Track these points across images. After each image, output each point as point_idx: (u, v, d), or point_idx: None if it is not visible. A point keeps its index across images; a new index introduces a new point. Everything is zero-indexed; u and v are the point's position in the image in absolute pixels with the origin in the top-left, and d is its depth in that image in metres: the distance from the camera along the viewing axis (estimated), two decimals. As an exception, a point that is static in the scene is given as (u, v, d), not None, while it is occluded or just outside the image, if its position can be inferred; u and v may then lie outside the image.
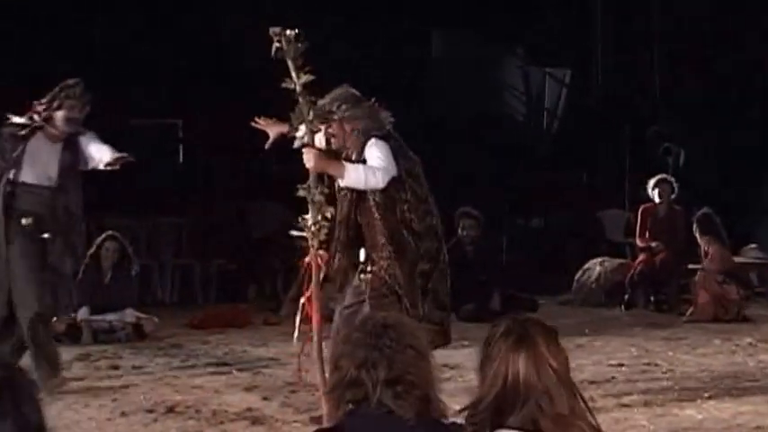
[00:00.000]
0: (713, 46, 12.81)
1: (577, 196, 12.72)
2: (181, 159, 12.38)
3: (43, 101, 6.30)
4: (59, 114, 6.25)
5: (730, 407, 5.87)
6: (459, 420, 2.51)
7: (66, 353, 7.76)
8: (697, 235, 9.74)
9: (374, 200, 5.36)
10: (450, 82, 13.05)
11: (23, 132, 6.24)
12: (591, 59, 13.47)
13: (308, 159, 5.27)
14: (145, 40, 11.35)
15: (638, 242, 10.27)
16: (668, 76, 13.05)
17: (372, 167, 5.29)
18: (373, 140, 5.35)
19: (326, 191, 5.36)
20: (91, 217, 10.77)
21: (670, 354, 7.62)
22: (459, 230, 9.96)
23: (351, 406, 2.47)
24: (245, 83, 10.60)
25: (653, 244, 10.09)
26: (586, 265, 10.75)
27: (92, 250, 8.80)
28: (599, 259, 10.80)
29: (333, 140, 5.48)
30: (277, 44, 5.24)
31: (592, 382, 6.47)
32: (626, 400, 6.04)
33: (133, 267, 8.86)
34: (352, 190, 5.42)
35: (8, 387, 2.06)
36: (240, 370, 7.12)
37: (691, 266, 10.07)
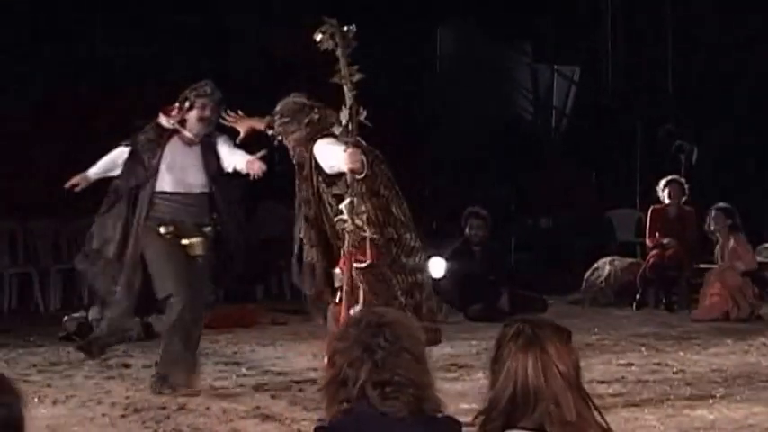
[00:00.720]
0: (725, 42, 12.77)
1: (587, 196, 12.69)
2: None
3: (175, 104, 6.15)
4: (192, 115, 6.09)
5: (743, 407, 5.83)
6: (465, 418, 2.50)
7: (78, 352, 7.79)
8: (717, 226, 9.56)
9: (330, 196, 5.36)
10: (456, 80, 13.02)
11: (159, 138, 6.10)
12: (600, 56, 13.43)
13: (353, 161, 5.16)
14: (146, 39, 11.35)
15: (648, 242, 10.23)
16: (680, 72, 13.00)
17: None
18: (314, 146, 5.33)
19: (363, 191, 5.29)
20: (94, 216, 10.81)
21: (681, 353, 7.58)
22: (467, 230, 9.94)
23: (345, 404, 2.45)
24: (248, 82, 10.59)
25: (664, 241, 10.05)
26: (596, 265, 10.71)
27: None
28: (608, 258, 10.77)
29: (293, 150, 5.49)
30: (328, 38, 5.18)
31: (601, 382, 6.45)
32: (636, 399, 6.01)
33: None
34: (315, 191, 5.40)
35: None
36: (249, 368, 7.13)
37: (702, 266, 10.02)
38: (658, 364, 7.18)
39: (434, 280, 10.07)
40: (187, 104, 6.11)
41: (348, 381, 2.44)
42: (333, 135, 5.38)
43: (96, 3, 11.37)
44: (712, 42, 12.84)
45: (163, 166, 6.07)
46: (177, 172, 6.06)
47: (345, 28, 5.23)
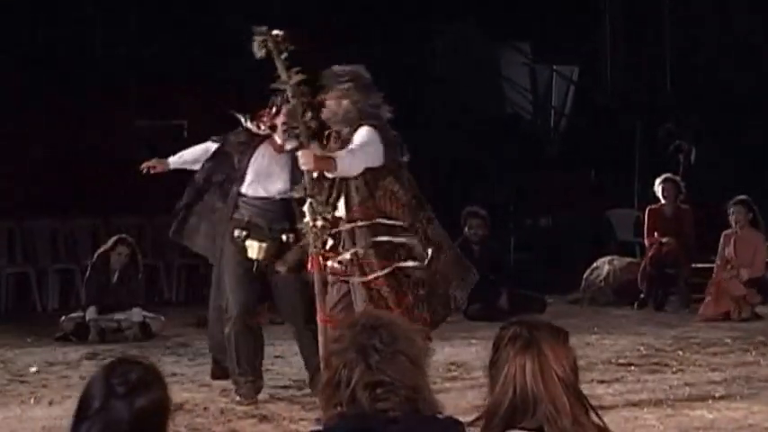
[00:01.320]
0: (725, 42, 12.74)
1: (586, 195, 12.67)
2: None
3: (266, 109, 6.09)
4: (279, 121, 6.02)
5: (742, 407, 5.81)
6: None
7: (75, 352, 7.80)
8: (737, 220, 9.44)
9: (355, 186, 5.33)
10: (455, 80, 12.99)
11: (251, 141, 6.07)
12: (600, 56, 13.40)
13: (306, 162, 5.20)
14: (149, 40, 11.33)
15: (647, 242, 10.19)
16: (680, 72, 12.97)
17: (361, 146, 5.24)
18: (366, 127, 5.31)
19: (324, 192, 5.30)
20: (97, 216, 10.81)
21: (680, 353, 7.56)
22: (467, 230, 9.91)
23: (340, 407, 2.43)
24: (248, 83, 10.57)
25: (663, 240, 10.01)
26: (595, 264, 10.69)
27: (101, 250, 8.81)
28: (608, 258, 10.75)
29: (323, 109, 5.40)
30: (261, 46, 5.20)
31: (601, 382, 6.43)
32: (635, 399, 5.99)
33: (139, 274, 8.86)
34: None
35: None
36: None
37: (700, 265, 9.99)
38: (657, 363, 7.15)
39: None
40: (275, 110, 6.06)
41: (342, 383, 2.43)
42: (382, 128, 5.36)
43: (96, 3, 11.36)
44: (712, 42, 12.82)
45: (250, 170, 6.06)
46: (262, 177, 6.06)
47: (275, 32, 5.22)
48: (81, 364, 7.31)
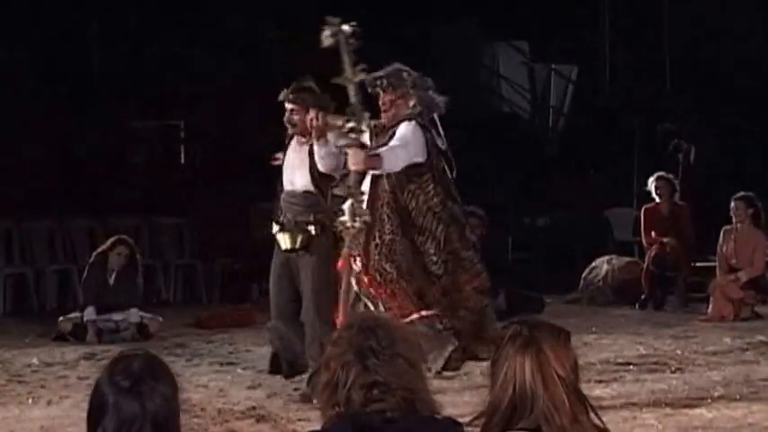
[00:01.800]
0: (724, 41, 12.73)
1: (584, 195, 12.65)
2: (182, 160, 12.36)
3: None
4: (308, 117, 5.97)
5: (741, 406, 5.80)
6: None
7: (72, 352, 7.79)
8: (738, 217, 9.30)
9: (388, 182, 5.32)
10: (452, 78, 12.97)
11: (286, 137, 6.17)
12: (599, 55, 13.38)
13: (356, 161, 5.18)
14: (144, 41, 11.33)
15: (645, 242, 10.15)
16: (679, 71, 12.95)
17: (393, 147, 5.23)
18: (410, 123, 5.33)
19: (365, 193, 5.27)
20: (95, 217, 10.80)
21: (679, 352, 7.54)
22: (465, 229, 9.87)
23: (338, 408, 2.44)
24: (248, 83, 10.57)
25: (664, 240, 9.98)
26: (593, 264, 10.68)
27: (100, 249, 8.80)
28: (606, 258, 10.74)
29: (384, 108, 5.39)
30: (332, 37, 5.16)
31: (600, 381, 6.41)
32: (634, 399, 5.97)
33: (138, 277, 8.85)
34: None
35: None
36: (245, 368, 7.11)
37: (699, 264, 9.96)
38: (656, 363, 7.14)
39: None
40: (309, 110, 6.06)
41: (339, 384, 2.43)
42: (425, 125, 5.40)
43: (92, 7, 11.35)
44: (711, 41, 12.80)
45: (284, 165, 6.17)
46: (288, 171, 6.14)
47: (346, 27, 5.18)
48: (79, 365, 7.30)
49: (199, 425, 5.54)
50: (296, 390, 6.26)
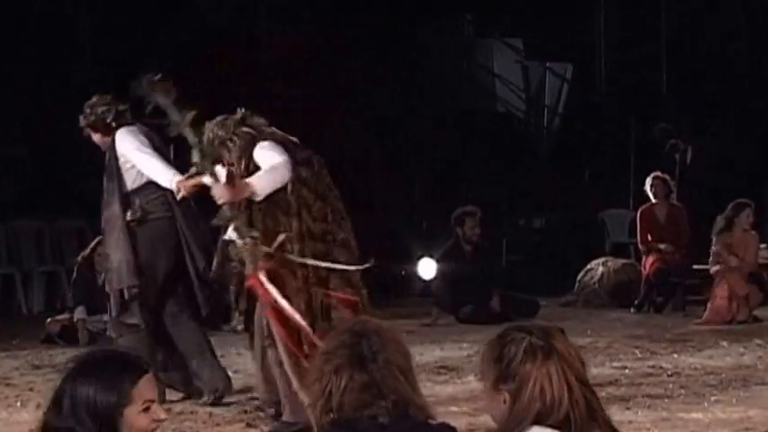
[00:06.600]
0: (720, 39, 12.70)
1: (579, 196, 12.61)
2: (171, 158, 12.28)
3: None
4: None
5: (738, 410, 5.78)
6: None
7: (61, 354, 7.73)
8: (744, 219, 9.33)
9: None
10: (446, 77, 12.92)
11: None
12: (594, 53, 13.33)
13: (221, 196, 5.27)
14: (135, 38, 11.25)
15: (642, 246, 10.07)
16: (675, 70, 12.92)
17: (272, 165, 5.29)
18: (260, 143, 5.37)
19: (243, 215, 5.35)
20: (83, 217, 10.72)
21: (675, 356, 7.52)
22: (459, 230, 9.82)
23: (332, 415, 2.46)
24: (237, 81, 10.50)
25: (661, 246, 9.90)
26: (589, 266, 10.62)
27: (86, 252, 8.73)
28: (602, 259, 10.70)
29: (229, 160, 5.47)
30: (154, 93, 5.32)
31: (595, 385, 6.30)
32: (630, 403, 5.94)
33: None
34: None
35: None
36: (235, 372, 7.02)
37: (696, 267, 9.90)
38: (653, 366, 7.12)
39: (425, 281, 10.03)
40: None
41: (332, 390, 2.46)
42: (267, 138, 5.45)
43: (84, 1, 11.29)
44: (706, 39, 12.76)
45: None
46: None
47: (156, 77, 5.34)
48: (67, 368, 7.19)
49: (190, 428, 5.54)
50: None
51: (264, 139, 5.38)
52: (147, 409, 2.54)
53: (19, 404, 6.13)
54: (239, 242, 5.31)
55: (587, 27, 13.39)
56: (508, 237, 12.14)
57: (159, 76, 5.32)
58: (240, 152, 5.35)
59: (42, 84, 10.85)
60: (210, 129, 5.43)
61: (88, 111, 6.09)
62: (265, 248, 5.24)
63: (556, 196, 12.48)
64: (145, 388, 2.54)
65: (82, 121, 6.13)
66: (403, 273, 10.67)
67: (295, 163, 5.34)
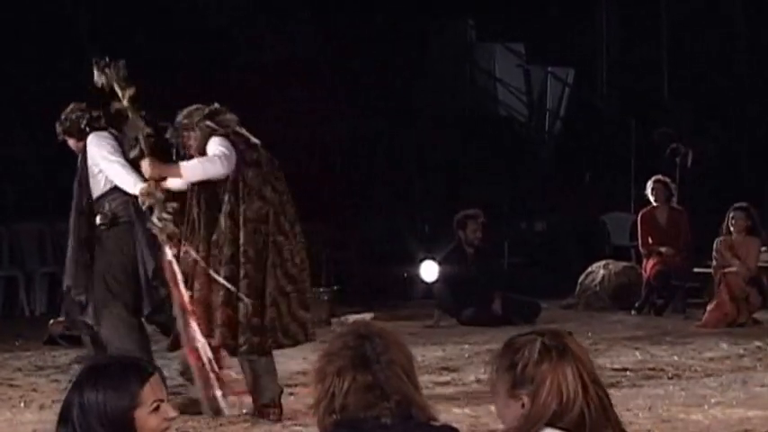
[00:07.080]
0: (721, 44, 12.71)
1: (581, 198, 12.61)
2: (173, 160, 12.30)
3: None
4: None
5: (738, 412, 5.79)
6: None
7: (64, 356, 7.75)
8: (736, 227, 9.30)
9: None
10: (448, 81, 12.94)
11: None
12: (595, 58, 13.34)
13: (146, 169, 5.56)
14: (132, 39, 11.26)
15: (642, 249, 10.07)
16: (676, 74, 12.93)
17: (209, 157, 5.51)
18: (213, 138, 5.58)
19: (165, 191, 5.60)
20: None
21: (675, 358, 7.51)
22: (462, 233, 9.84)
23: (335, 416, 2.47)
24: (237, 81, 10.51)
25: (662, 249, 9.91)
26: (590, 269, 10.62)
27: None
28: (603, 262, 10.69)
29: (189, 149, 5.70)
30: (101, 74, 5.61)
31: (596, 387, 6.35)
32: (631, 405, 5.94)
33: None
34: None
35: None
36: (239, 373, 7.01)
37: (696, 270, 9.91)
38: (653, 368, 7.12)
39: (427, 284, 10.04)
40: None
41: (336, 391, 2.47)
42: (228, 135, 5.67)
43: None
44: (708, 43, 12.77)
45: None
46: None
47: (105, 60, 5.64)
48: (71, 368, 7.25)
49: (194, 428, 5.55)
50: (291, 395, 6.21)
51: (219, 135, 5.56)
52: (156, 409, 2.55)
53: (22, 405, 6.13)
54: (155, 218, 5.56)
55: (589, 31, 13.41)
56: (510, 239, 12.14)
57: (110, 59, 5.59)
58: (196, 143, 5.59)
59: (42, 84, 10.86)
60: (179, 114, 5.69)
61: (63, 118, 6.32)
62: (175, 229, 5.49)
63: (557, 199, 12.49)
64: (153, 388, 2.54)
65: (58, 129, 6.36)
66: (405, 275, 10.69)
67: (242, 162, 5.51)
